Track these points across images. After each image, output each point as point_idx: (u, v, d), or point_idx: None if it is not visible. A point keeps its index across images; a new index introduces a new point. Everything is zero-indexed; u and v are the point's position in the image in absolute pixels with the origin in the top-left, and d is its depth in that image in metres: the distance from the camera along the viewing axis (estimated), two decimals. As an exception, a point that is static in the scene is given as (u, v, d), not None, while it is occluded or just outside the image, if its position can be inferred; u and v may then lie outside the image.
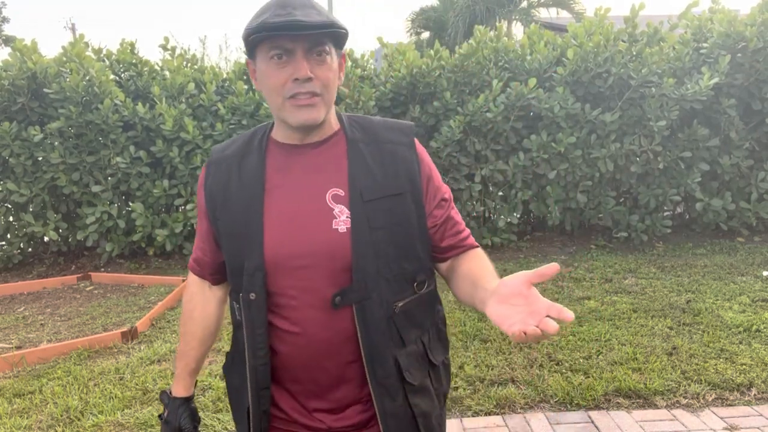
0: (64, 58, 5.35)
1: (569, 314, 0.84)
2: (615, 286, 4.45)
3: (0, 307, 4.60)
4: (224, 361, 1.31)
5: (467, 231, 1.25)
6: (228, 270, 1.20)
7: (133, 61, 5.85)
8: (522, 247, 5.71)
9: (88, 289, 5.01)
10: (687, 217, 6.10)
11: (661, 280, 4.53)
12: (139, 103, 5.30)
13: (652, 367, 3.08)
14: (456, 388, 2.96)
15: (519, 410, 2.79)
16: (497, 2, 17.26)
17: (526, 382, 3.00)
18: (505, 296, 0.94)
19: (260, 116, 5.35)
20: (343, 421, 1.17)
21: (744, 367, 3.05)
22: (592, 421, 2.67)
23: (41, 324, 4.16)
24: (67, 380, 3.20)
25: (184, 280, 4.44)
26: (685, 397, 2.82)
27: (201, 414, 2.78)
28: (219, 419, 2.75)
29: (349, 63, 5.71)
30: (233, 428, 1.27)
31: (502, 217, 5.67)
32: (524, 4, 18.05)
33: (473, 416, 2.75)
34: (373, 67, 6.00)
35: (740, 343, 3.34)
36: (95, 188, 5.33)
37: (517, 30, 18.52)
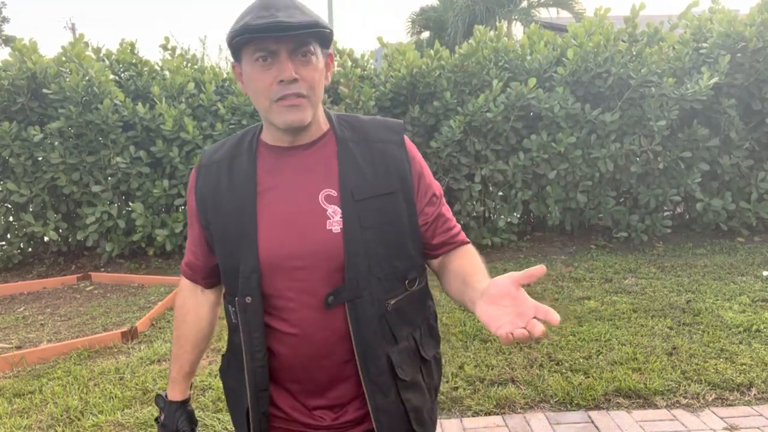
0: (64, 58, 5.35)
1: (555, 317, 0.85)
2: (615, 286, 4.45)
3: (0, 307, 4.60)
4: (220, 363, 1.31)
5: (458, 227, 1.26)
6: (222, 273, 1.20)
7: (133, 61, 5.85)
8: (522, 247, 5.71)
9: (88, 289, 5.01)
10: (687, 217, 6.10)
11: (661, 280, 4.53)
12: (139, 103, 5.30)
13: (652, 367, 3.08)
14: (456, 388, 2.96)
15: (519, 410, 2.79)
16: (497, 2, 17.26)
17: (526, 382, 3.00)
18: (493, 297, 0.94)
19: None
20: (342, 417, 1.18)
21: (744, 367, 3.05)
22: (592, 421, 2.67)
23: (41, 324, 4.16)
24: (67, 380, 3.20)
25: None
26: (685, 397, 2.82)
27: (201, 414, 2.78)
28: (219, 419, 2.75)
29: (349, 63, 5.71)
30: (233, 428, 1.27)
31: (502, 217, 5.67)
32: (524, 4, 18.05)
33: (473, 416, 2.75)
34: (373, 67, 6.00)
35: (740, 343, 3.34)
36: (95, 188, 5.33)
37: (517, 30, 18.53)
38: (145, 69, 5.85)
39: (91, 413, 2.85)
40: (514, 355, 3.28)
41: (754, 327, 3.50)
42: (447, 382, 3.01)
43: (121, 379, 3.20)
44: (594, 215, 5.68)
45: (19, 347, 3.71)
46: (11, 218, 5.60)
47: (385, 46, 5.97)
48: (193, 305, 1.31)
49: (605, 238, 5.80)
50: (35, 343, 3.79)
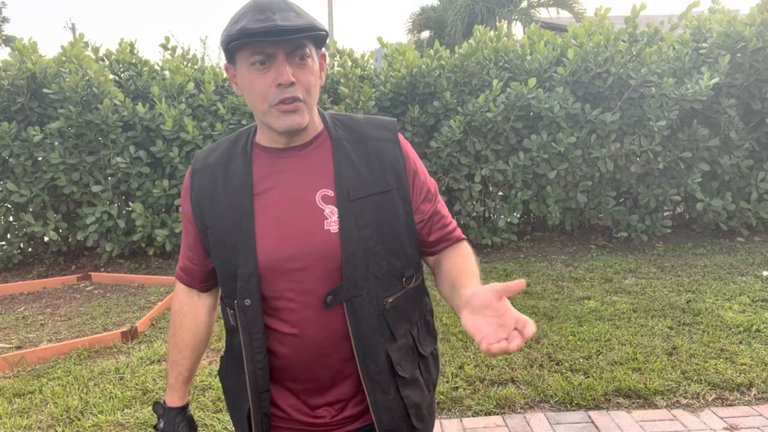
0: (64, 58, 5.35)
1: (530, 331, 0.87)
2: (615, 286, 4.45)
3: (0, 307, 4.60)
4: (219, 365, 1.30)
5: (454, 223, 1.27)
6: (220, 277, 1.20)
7: (133, 61, 5.85)
8: (522, 247, 5.71)
9: (88, 289, 5.01)
10: (687, 217, 6.09)
11: (661, 280, 4.53)
12: (139, 103, 5.30)
13: (652, 367, 3.08)
14: (456, 388, 2.96)
15: (519, 410, 2.79)
16: (497, 2, 17.25)
17: (526, 382, 3.00)
18: (476, 308, 0.96)
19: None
20: (342, 413, 1.19)
21: (744, 367, 3.05)
22: (592, 421, 2.67)
23: (41, 324, 4.16)
24: (67, 380, 3.20)
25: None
26: (685, 397, 2.82)
27: (201, 414, 2.78)
28: (219, 419, 2.75)
29: (349, 63, 5.70)
30: (233, 428, 1.27)
31: (502, 217, 5.67)
32: (524, 4, 18.05)
33: (473, 416, 2.75)
34: (373, 67, 6.00)
35: (740, 343, 3.34)
36: (95, 188, 5.33)
37: (517, 30, 18.52)
38: (145, 69, 5.85)
39: (91, 413, 2.85)
40: (514, 355, 3.28)
41: (754, 327, 3.50)
42: (447, 382, 3.01)
43: (121, 379, 3.20)
44: (594, 215, 5.68)
45: (19, 347, 3.71)
46: (11, 218, 5.60)
47: (385, 46, 5.97)
48: (190, 309, 1.30)
49: (605, 238, 5.80)
50: (35, 343, 3.79)
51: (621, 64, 5.17)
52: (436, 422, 2.64)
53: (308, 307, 1.11)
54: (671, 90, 5.07)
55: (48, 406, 2.94)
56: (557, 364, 3.18)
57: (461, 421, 2.70)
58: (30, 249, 5.94)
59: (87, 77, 5.16)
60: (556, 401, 2.84)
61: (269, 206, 1.13)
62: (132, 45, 5.94)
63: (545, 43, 5.73)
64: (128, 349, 3.63)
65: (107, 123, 5.16)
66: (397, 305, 1.16)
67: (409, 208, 1.17)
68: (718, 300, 4.02)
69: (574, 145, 5.28)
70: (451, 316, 3.83)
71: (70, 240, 5.71)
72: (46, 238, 5.75)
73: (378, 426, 1.15)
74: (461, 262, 1.19)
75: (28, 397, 3.04)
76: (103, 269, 5.56)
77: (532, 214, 6.18)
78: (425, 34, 20.45)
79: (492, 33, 5.82)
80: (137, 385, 3.11)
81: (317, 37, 1.08)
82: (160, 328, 3.97)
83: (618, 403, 2.81)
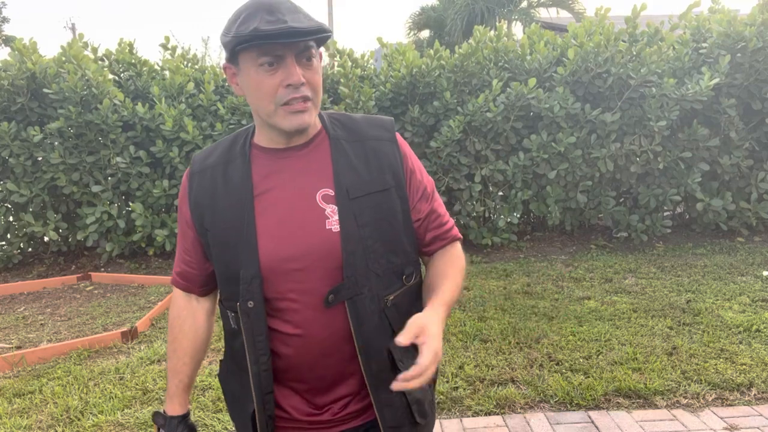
0: (63, 58, 5.35)
1: (423, 362, 0.99)
2: (615, 286, 4.45)
3: (0, 307, 4.60)
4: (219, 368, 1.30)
5: (451, 222, 1.28)
6: (220, 279, 1.19)
7: (132, 61, 5.85)
8: (522, 247, 5.71)
9: (88, 289, 5.01)
10: (687, 217, 6.09)
11: (661, 280, 4.53)
12: (139, 103, 5.30)
13: (652, 367, 3.08)
14: (456, 388, 2.96)
15: (519, 410, 2.79)
16: (497, 2, 17.25)
17: (526, 382, 3.00)
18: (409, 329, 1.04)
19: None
20: (345, 409, 1.19)
21: (744, 367, 3.05)
22: (592, 421, 2.67)
23: (41, 324, 4.16)
24: (67, 380, 3.20)
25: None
26: (685, 397, 2.82)
27: (201, 414, 2.78)
28: (219, 419, 2.75)
29: (349, 63, 5.70)
30: (233, 428, 1.27)
31: (502, 217, 5.67)
32: (524, 4, 18.04)
33: (473, 416, 2.75)
34: (373, 67, 6.00)
35: (740, 343, 3.34)
36: (95, 188, 5.34)
37: (517, 30, 18.52)
38: (145, 69, 5.85)
39: (91, 413, 2.85)
40: (514, 355, 3.29)
41: (754, 327, 3.50)
42: (447, 382, 3.01)
43: (121, 379, 3.20)
44: (594, 215, 5.68)
45: (19, 347, 3.71)
46: (11, 218, 5.60)
47: (384, 46, 5.97)
48: (190, 315, 1.29)
49: (605, 238, 5.80)
50: (35, 343, 3.79)
51: (621, 64, 5.17)
52: (436, 422, 2.64)
53: (310, 307, 1.11)
54: (671, 90, 5.07)
55: (48, 406, 2.94)
56: (557, 364, 3.18)
57: (461, 421, 2.70)
58: (30, 249, 5.94)
59: (86, 77, 5.16)
60: (556, 401, 2.84)
61: (270, 207, 1.13)
62: (131, 45, 5.94)
63: (545, 43, 5.73)
64: (128, 349, 3.63)
65: (107, 123, 5.16)
66: (397, 303, 1.16)
67: (407, 206, 1.18)
68: (718, 300, 4.02)
69: (574, 145, 5.28)
70: (450, 317, 3.83)
71: (70, 240, 5.71)
72: (46, 238, 5.75)
73: (381, 422, 1.15)
74: (443, 270, 1.22)
75: (28, 397, 3.04)
76: (103, 269, 5.56)
77: (532, 214, 6.18)
78: (425, 34, 20.45)
79: (492, 33, 5.82)
80: (137, 385, 3.11)
81: (323, 38, 1.09)
82: (160, 328, 3.97)
83: (618, 403, 2.81)
